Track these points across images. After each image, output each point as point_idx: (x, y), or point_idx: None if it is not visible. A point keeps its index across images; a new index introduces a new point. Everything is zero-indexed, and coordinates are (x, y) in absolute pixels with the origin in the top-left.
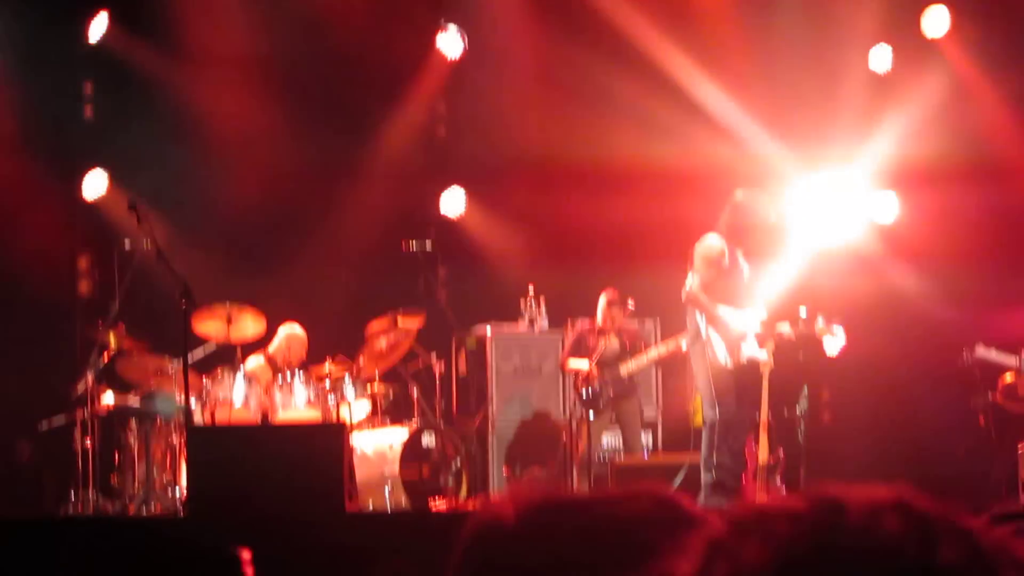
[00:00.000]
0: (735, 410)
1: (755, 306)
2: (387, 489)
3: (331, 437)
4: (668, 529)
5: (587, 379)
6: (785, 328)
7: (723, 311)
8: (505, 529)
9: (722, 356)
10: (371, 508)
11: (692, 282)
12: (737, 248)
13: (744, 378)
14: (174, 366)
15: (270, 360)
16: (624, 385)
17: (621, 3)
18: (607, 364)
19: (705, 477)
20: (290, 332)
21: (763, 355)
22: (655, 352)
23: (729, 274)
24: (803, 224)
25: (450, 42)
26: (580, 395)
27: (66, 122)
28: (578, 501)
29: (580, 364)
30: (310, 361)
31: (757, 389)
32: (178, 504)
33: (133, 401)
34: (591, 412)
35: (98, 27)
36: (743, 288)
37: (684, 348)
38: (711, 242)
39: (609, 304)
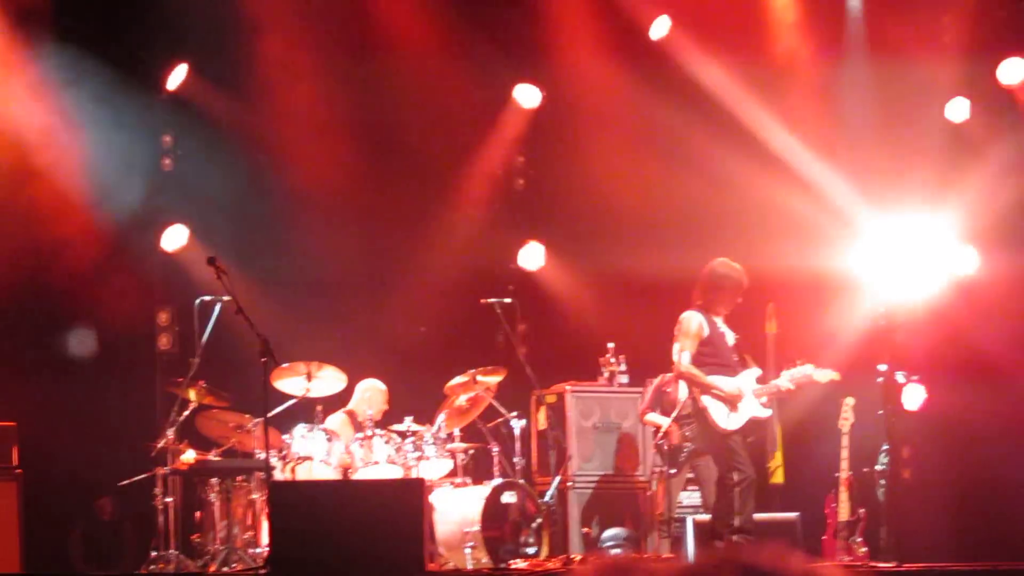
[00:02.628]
0: (751, 471)
1: (748, 367)
2: (468, 548)
3: (411, 494)
4: None
5: (666, 434)
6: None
7: (715, 379)
8: None
9: (722, 420)
10: (452, 567)
11: (680, 358)
12: (716, 316)
13: (748, 438)
14: (255, 423)
15: (350, 416)
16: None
17: (697, 57)
18: (686, 419)
19: (727, 538)
20: (370, 386)
21: (766, 412)
22: None
23: (713, 342)
24: (882, 276)
25: (527, 94)
26: (658, 450)
27: (145, 175)
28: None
29: (658, 419)
30: (390, 418)
31: (762, 447)
32: (259, 562)
33: (214, 458)
34: (673, 469)
35: (177, 77)
36: (730, 353)
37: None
38: (687, 317)
39: None
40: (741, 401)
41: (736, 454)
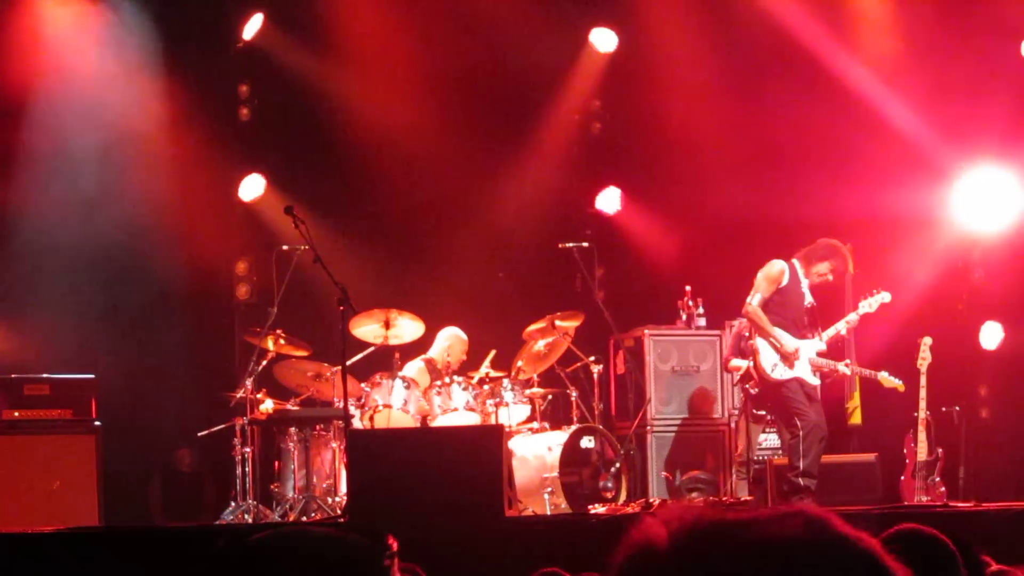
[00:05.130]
0: (814, 416)
1: (816, 338)
2: (547, 493)
3: (490, 440)
4: (820, 550)
5: (747, 376)
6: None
7: (779, 331)
8: (658, 554)
9: (768, 367)
10: (531, 513)
11: (751, 298)
12: (806, 277)
13: (787, 392)
14: (333, 371)
15: (429, 364)
16: None
17: None
18: None
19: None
20: (451, 335)
21: (815, 380)
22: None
23: (788, 296)
24: (961, 217)
25: (603, 37)
26: (747, 393)
27: (223, 125)
28: (729, 523)
29: (741, 363)
30: (469, 365)
31: (840, 389)
32: (338, 510)
33: (292, 407)
34: (762, 410)
35: (252, 27)
36: (802, 313)
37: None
38: (773, 262)
39: None
40: (796, 360)
41: (794, 401)
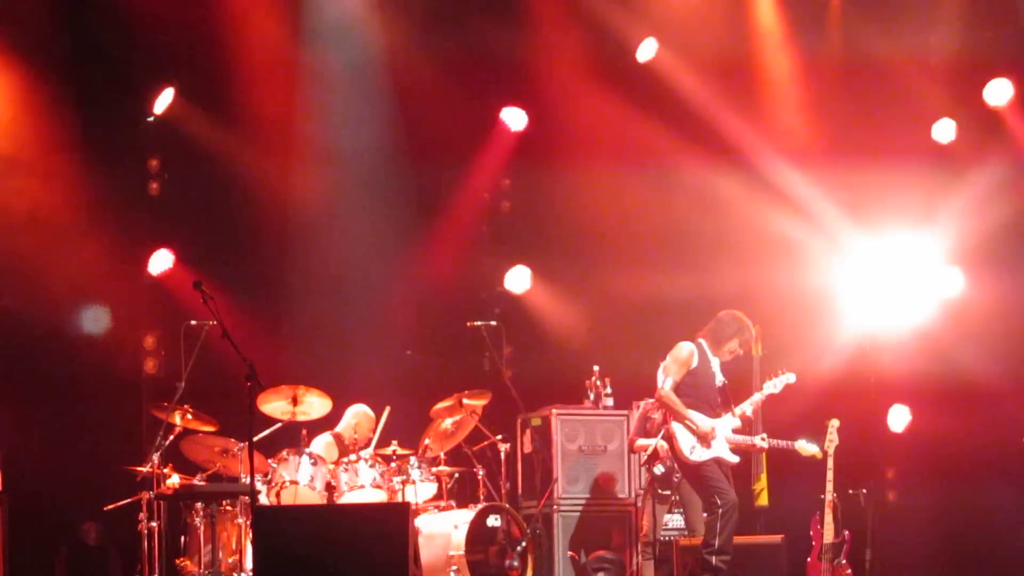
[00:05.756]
0: (733, 495)
1: (729, 415)
2: (452, 572)
3: (396, 518)
4: None
5: (654, 456)
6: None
7: (693, 413)
8: None
9: (687, 450)
10: None
11: (664, 383)
12: (713, 355)
13: (706, 472)
14: (240, 447)
15: (337, 438)
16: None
17: (685, 76)
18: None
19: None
20: (359, 412)
21: (733, 458)
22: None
23: (699, 377)
24: (868, 298)
25: (514, 116)
26: (652, 473)
27: (132, 199)
28: None
29: (647, 442)
30: (376, 442)
31: (747, 470)
32: None
33: (199, 482)
34: (667, 490)
35: (163, 101)
36: (714, 393)
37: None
38: (682, 344)
39: None
40: (713, 440)
41: (713, 480)
